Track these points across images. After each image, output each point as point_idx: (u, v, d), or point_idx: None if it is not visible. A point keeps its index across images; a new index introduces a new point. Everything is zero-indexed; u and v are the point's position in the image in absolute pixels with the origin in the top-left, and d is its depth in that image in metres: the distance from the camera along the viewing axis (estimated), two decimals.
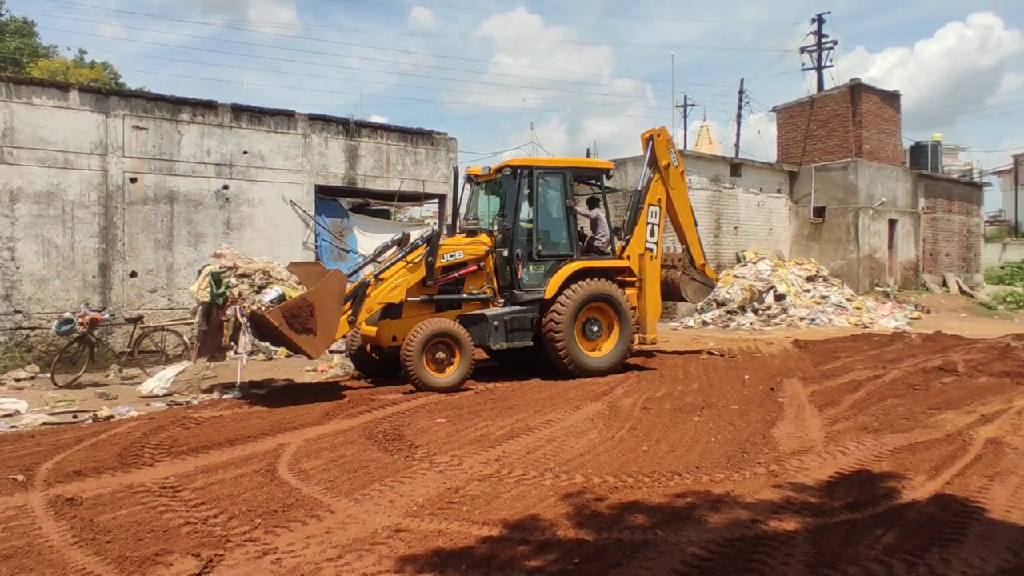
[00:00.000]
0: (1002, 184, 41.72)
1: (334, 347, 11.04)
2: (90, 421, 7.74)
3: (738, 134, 34.77)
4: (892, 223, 22.92)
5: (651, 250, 11.01)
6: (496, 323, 9.56)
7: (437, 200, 16.00)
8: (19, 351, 10.68)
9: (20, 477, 5.46)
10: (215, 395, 9.08)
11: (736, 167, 21.19)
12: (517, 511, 4.60)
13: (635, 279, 10.73)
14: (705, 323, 17.86)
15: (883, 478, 5.24)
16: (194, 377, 9.74)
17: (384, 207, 18.17)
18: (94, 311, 10.19)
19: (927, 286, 23.64)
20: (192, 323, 11.58)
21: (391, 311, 9.44)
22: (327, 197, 14.21)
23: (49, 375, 9.77)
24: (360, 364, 10.35)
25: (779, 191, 22.40)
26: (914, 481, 5.16)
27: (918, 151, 26.88)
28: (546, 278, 9.97)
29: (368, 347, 10.12)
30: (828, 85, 28.44)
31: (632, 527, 4.31)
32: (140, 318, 10.82)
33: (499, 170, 10.46)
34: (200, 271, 9.31)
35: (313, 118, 13.70)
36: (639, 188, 11.25)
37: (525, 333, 9.83)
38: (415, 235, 10.38)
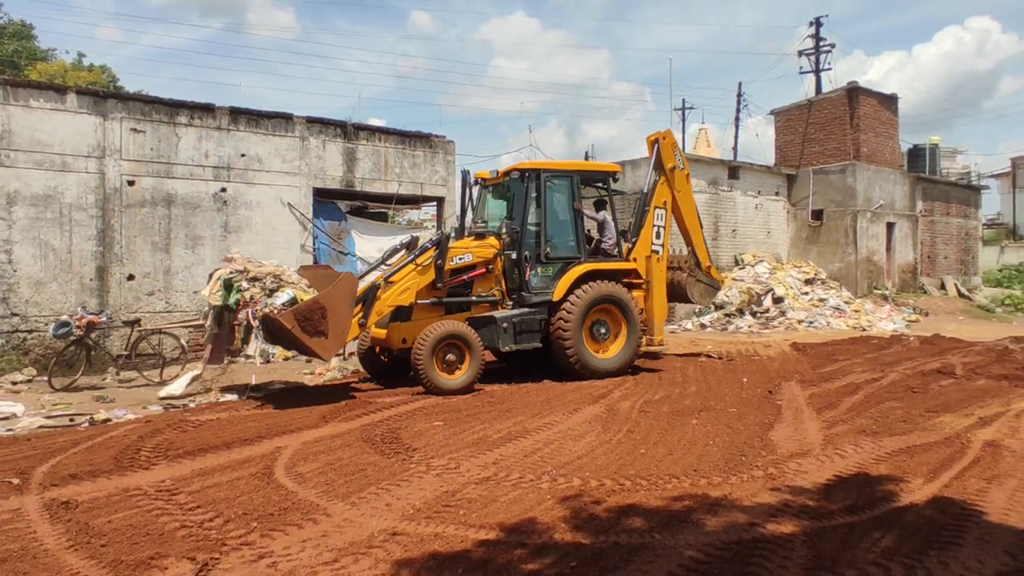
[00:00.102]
0: (1000, 187, 41.86)
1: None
2: (87, 424, 7.72)
3: (736, 137, 34.92)
4: (890, 226, 22.94)
5: (657, 252, 11.08)
6: (505, 325, 9.61)
7: (435, 203, 16.00)
8: (16, 354, 10.66)
9: (15, 480, 5.44)
10: (233, 396, 9.10)
11: (734, 170, 21.21)
12: (514, 514, 4.59)
13: (642, 281, 10.79)
14: (703, 326, 17.86)
15: (881, 481, 5.23)
16: (208, 381, 9.76)
17: (382, 210, 18.14)
18: (91, 314, 10.16)
19: (925, 289, 23.65)
20: (191, 326, 11.62)
21: (401, 314, 9.46)
22: (325, 200, 14.19)
23: (46, 378, 9.73)
24: (369, 366, 10.39)
25: (777, 194, 22.41)
26: (912, 484, 5.15)
27: (916, 154, 26.88)
28: (554, 280, 10.03)
29: (377, 349, 10.14)
30: (826, 88, 28.57)
31: (629, 530, 4.30)
32: (137, 321, 10.79)
33: (507, 173, 10.50)
34: (211, 275, 9.33)
35: (311, 121, 13.68)
36: (645, 191, 11.29)
37: (534, 335, 9.89)
38: (424, 238, 10.40)
